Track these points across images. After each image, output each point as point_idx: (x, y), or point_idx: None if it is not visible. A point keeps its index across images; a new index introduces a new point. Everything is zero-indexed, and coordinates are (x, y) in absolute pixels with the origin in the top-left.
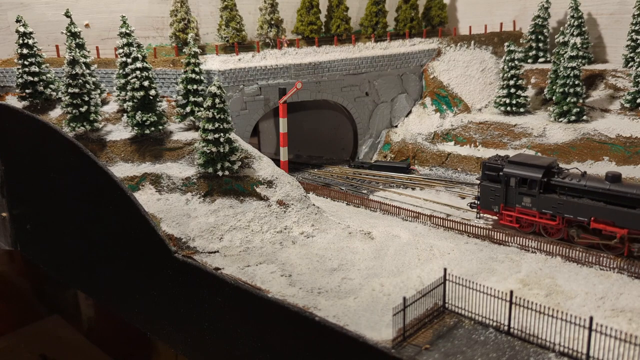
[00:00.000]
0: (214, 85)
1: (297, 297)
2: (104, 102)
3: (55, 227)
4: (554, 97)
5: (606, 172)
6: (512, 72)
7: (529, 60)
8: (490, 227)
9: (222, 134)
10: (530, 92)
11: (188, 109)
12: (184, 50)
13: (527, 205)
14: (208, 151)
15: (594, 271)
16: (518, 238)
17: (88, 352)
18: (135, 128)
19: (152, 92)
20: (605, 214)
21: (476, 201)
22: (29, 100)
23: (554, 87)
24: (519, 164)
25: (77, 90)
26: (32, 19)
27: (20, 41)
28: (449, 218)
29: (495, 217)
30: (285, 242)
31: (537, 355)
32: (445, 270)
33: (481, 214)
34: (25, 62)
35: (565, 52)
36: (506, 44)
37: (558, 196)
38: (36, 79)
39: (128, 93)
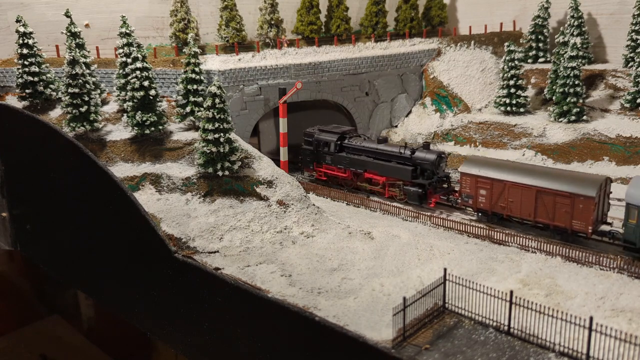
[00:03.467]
0: (214, 85)
1: (297, 297)
2: (104, 102)
3: (55, 227)
4: (554, 97)
5: (378, 136)
6: (512, 72)
7: (529, 60)
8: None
9: (222, 134)
10: (530, 92)
11: (188, 109)
12: (184, 50)
13: (329, 162)
14: (208, 151)
15: (594, 271)
16: (518, 238)
17: (88, 352)
18: (135, 128)
19: (152, 92)
20: (373, 167)
21: (300, 162)
22: (29, 100)
23: (554, 87)
24: (325, 132)
25: (77, 90)
26: (32, 19)
27: (20, 41)
28: (448, 218)
29: (312, 174)
30: (285, 242)
31: (537, 355)
32: (445, 270)
33: (304, 171)
34: (25, 62)
35: (565, 52)
36: (506, 44)
37: (346, 154)
38: (36, 79)
39: (128, 93)
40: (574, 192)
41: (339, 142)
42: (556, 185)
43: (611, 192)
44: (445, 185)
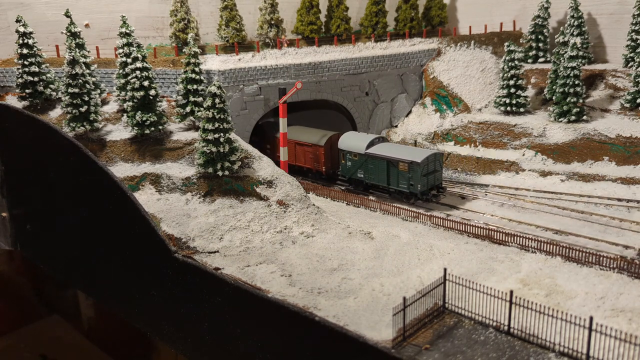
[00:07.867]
0: (214, 85)
1: (297, 297)
2: (104, 102)
3: (55, 227)
4: (554, 97)
5: None
6: (512, 72)
7: (529, 60)
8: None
9: (222, 134)
10: (530, 92)
11: (188, 109)
12: (184, 50)
13: None
14: (208, 151)
15: (594, 271)
16: (518, 238)
17: (88, 352)
18: (135, 128)
19: (152, 92)
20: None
21: None
22: (29, 100)
23: (554, 87)
24: None
25: (77, 90)
26: (32, 19)
27: (20, 41)
28: (449, 218)
29: None
30: (285, 242)
31: (537, 355)
32: (445, 270)
33: None
34: (25, 62)
35: (565, 52)
36: (506, 44)
37: None
38: (36, 79)
39: (128, 93)
40: (313, 143)
41: None
42: (305, 138)
43: None
44: (268, 146)
